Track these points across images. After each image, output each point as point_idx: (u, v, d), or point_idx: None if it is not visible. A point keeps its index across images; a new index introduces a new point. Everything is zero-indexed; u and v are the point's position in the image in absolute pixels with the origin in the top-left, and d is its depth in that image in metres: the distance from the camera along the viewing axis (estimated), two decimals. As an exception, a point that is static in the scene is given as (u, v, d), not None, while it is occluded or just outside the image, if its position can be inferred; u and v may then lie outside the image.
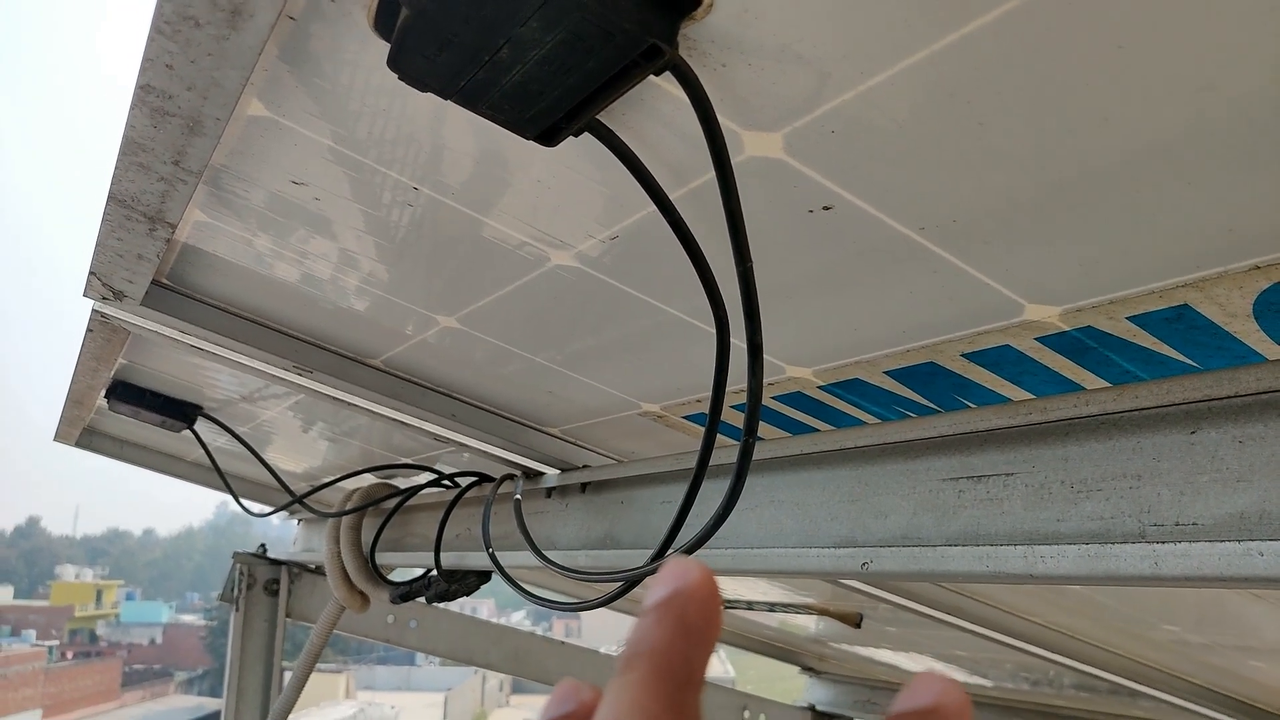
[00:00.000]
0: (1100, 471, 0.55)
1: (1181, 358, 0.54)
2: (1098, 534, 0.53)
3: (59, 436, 1.63)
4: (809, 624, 2.11)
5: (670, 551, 0.65)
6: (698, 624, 0.22)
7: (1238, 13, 0.32)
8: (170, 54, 0.42)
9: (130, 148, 0.51)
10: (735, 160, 0.45)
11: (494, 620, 2.63)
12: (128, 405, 1.28)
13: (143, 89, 0.45)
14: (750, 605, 1.86)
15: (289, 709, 1.67)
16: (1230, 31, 0.33)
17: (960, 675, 2.32)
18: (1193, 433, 0.52)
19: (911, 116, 0.40)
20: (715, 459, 0.64)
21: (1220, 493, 0.50)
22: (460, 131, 0.50)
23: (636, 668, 0.21)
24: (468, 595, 1.31)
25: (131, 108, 0.47)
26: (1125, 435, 0.55)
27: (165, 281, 0.80)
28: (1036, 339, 0.56)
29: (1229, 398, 0.51)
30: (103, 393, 1.29)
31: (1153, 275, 0.48)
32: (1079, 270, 0.49)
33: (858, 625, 1.59)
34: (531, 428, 0.99)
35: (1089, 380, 0.59)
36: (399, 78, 0.41)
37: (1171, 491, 0.52)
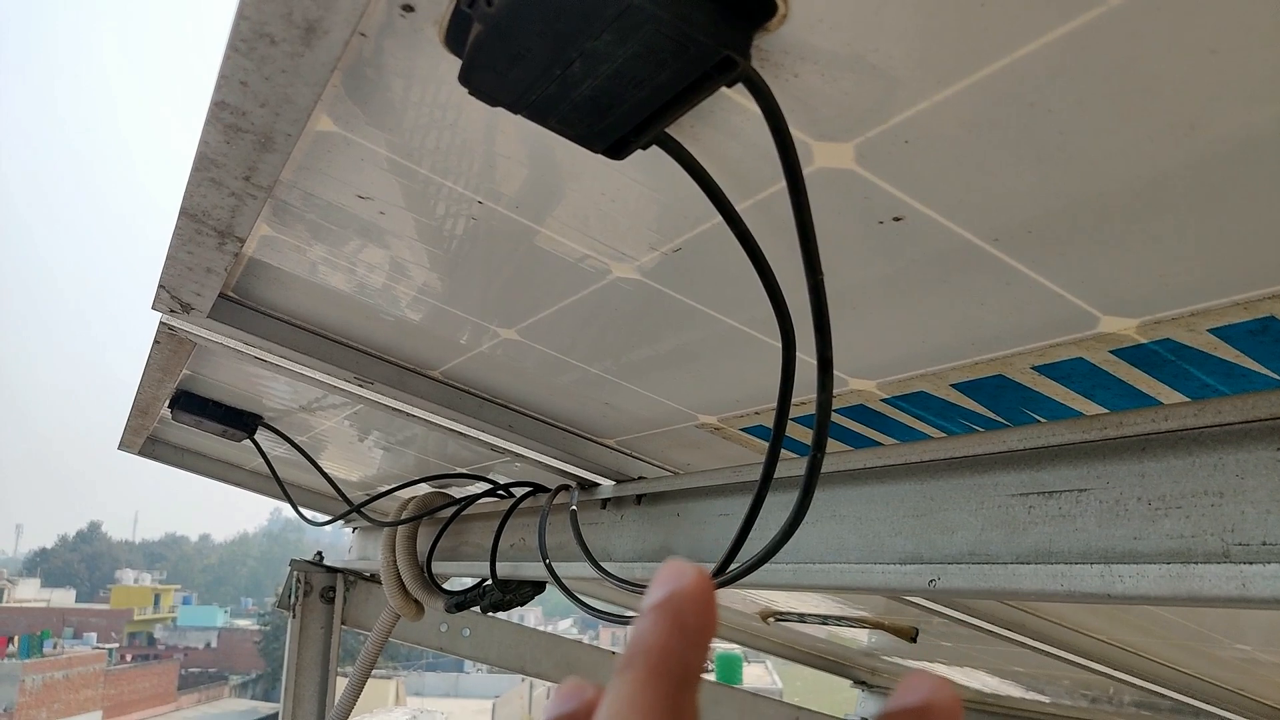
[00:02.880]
0: (1180, 489, 0.53)
1: (1266, 371, 0.52)
2: (1178, 553, 0.51)
3: (123, 445, 1.68)
4: (861, 637, 2.07)
5: (733, 567, 0.65)
6: (694, 624, 0.23)
7: (1340, 14, 0.31)
8: (245, 71, 0.42)
9: (203, 163, 0.52)
10: (805, 171, 0.45)
11: (541, 628, 2.64)
12: (191, 415, 1.31)
13: (217, 105, 0.46)
14: (802, 618, 1.84)
15: (346, 715, 1.69)
16: (1330, 33, 0.31)
17: (1016, 691, 2.27)
18: (1279, 449, 0.50)
19: (988, 125, 0.40)
20: (777, 472, 0.63)
21: (1310, 512, 0.48)
22: (523, 145, 0.50)
23: (634, 667, 0.22)
24: (522, 605, 1.32)
25: (206, 124, 0.48)
26: (1206, 451, 0.53)
27: (231, 294, 0.82)
28: (1111, 352, 0.55)
29: (1319, 413, 0.49)
30: (167, 402, 1.32)
31: (1236, 286, 0.46)
32: (1158, 281, 0.48)
33: (913, 640, 1.56)
34: (587, 439, 1.00)
35: (1165, 394, 0.57)
36: (470, 92, 0.42)
37: (1257, 510, 0.50)
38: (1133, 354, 0.54)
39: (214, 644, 39.97)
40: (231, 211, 0.58)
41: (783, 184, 0.47)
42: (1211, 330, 0.50)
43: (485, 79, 0.41)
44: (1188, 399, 0.56)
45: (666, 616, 0.23)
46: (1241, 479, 0.50)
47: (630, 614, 0.93)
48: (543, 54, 0.38)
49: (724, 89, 0.41)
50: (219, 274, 0.69)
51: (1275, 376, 0.52)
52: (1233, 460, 0.51)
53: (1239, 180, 0.39)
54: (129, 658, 33.00)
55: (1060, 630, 1.25)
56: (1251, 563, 0.47)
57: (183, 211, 0.60)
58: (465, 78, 0.41)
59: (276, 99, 0.45)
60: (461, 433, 1.01)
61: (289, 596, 1.94)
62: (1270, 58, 0.33)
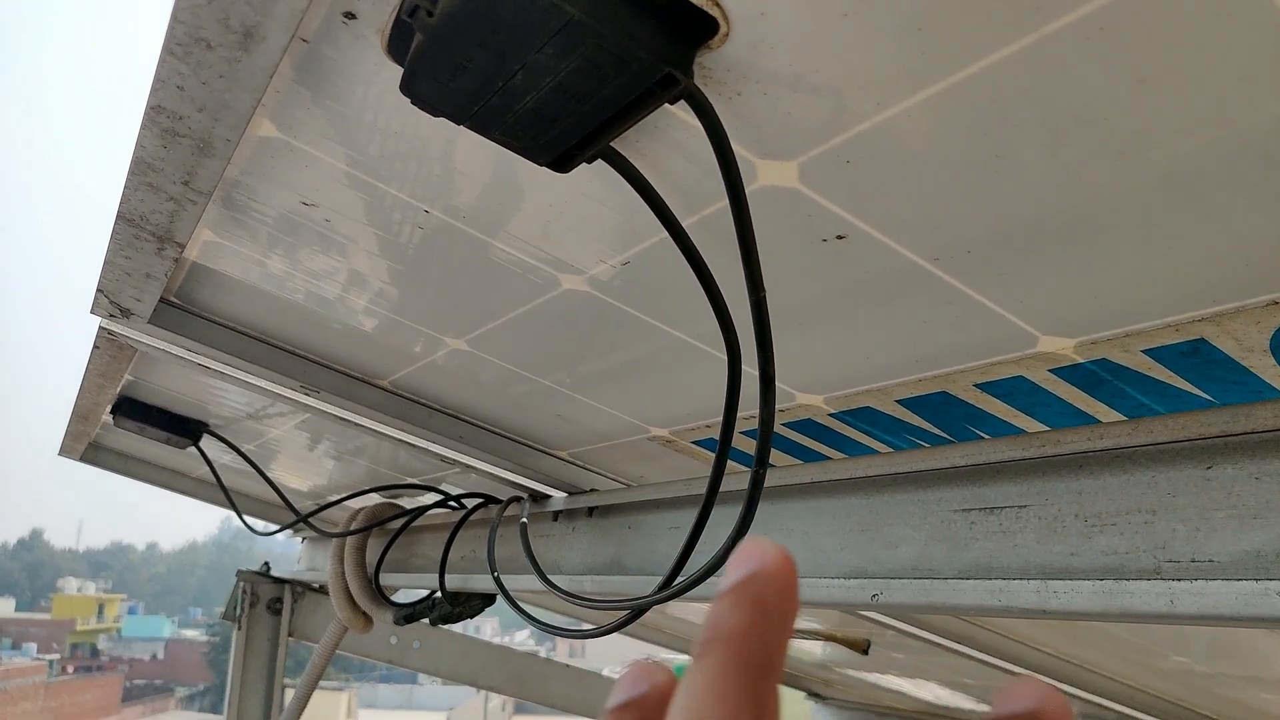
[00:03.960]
0: (1115, 506, 0.54)
1: (1197, 392, 0.53)
2: (1112, 569, 0.52)
3: (64, 451, 1.63)
4: (815, 649, 2.09)
5: (677, 581, 0.64)
6: (776, 607, 0.21)
7: (1253, 46, 0.31)
8: (181, 75, 0.42)
9: (140, 168, 0.51)
10: (749, 188, 0.45)
11: (497, 640, 2.61)
12: (133, 421, 1.28)
13: (153, 110, 0.45)
14: (755, 630, 1.84)
15: (289, 729, 1.65)
16: (1246, 65, 0.32)
17: (967, 703, 2.29)
18: (1209, 468, 0.52)
19: (927, 147, 0.40)
20: (724, 485, 0.63)
21: (1237, 530, 0.49)
22: (472, 155, 0.50)
23: (714, 653, 0.21)
24: (471, 618, 1.30)
25: (142, 128, 0.47)
26: (1140, 470, 0.54)
27: (173, 300, 0.80)
28: (1050, 370, 0.56)
29: (1245, 434, 0.50)
30: (108, 409, 1.29)
31: (1168, 309, 0.47)
32: (1094, 302, 0.48)
33: (865, 652, 1.57)
34: (539, 450, 0.99)
35: (1103, 413, 0.58)
36: (412, 102, 0.41)
37: (1187, 528, 0.51)
38: (1071, 373, 0.55)
39: (160, 655, 39.04)
40: (170, 217, 0.57)
41: (726, 201, 0.48)
42: (1145, 351, 0.51)
43: (427, 89, 0.40)
44: (1124, 418, 0.57)
45: (746, 598, 0.21)
46: (1173, 497, 0.51)
47: (577, 629, 0.92)
48: (485, 65, 0.38)
49: (668, 105, 0.41)
50: (159, 279, 0.68)
51: (1207, 398, 0.53)
52: (1164, 479, 0.52)
53: (1170, 206, 0.40)
54: (71, 669, 32.08)
55: (1008, 644, 1.27)
56: (1180, 579, 0.48)
57: (120, 216, 0.59)
58: (407, 87, 0.41)
59: (214, 104, 0.44)
60: (411, 444, 1.00)
61: (234, 608, 1.90)
62: (1197, 88, 0.34)
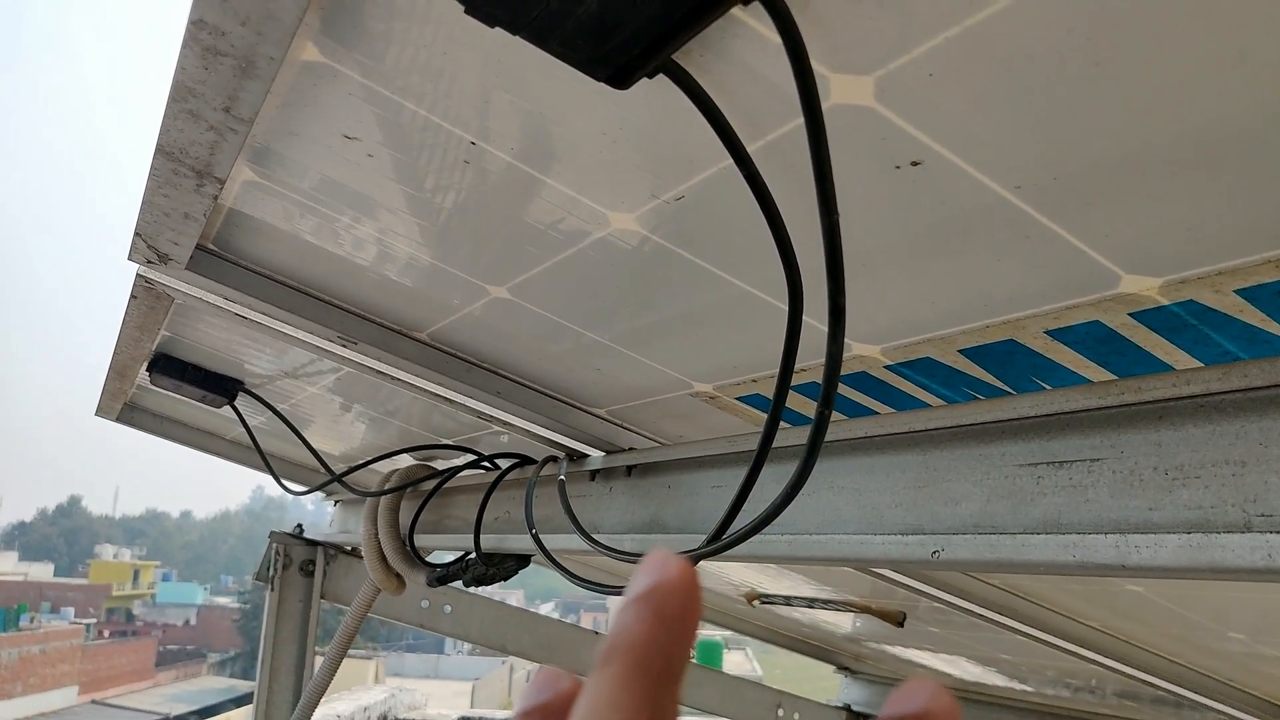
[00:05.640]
0: (1199, 457, 0.51)
1: (1291, 337, 0.50)
2: (1198, 524, 0.49)
3: (100, 411, 1.64)
4: (845, 622, 2.06)
5: (727, 535, 0.62)
6: (676, 618, 0.22)
7: None
8: (225, -18, 0.39)
9: (180, 93, 0.49)
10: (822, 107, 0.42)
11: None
12: (169, 379, 1.27)
13: (194, 25, 0.43)
14: (788, 601, 1.82)
15: (322, 691, 1.66)
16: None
17: (1000, 680, 2.27)
18: (1305, 417, 0.48)
19: (1019, 56, 0.37)
20: (775, 442, 0.61)
21: (1336, 482, 0.46)
22: (516, 81, 0.47)
23: (614, 661, 0.22)
24: (505, 580, 1.29)
25: (182, 47, 0.45)
26: (1228, 419, 0.51)
27: (210, 247, 0.79)
28: (1131, 314, 0.52)
29: (1349, 378, 0.47)
30: (145, 365, 1.28)
31: (1268, 242, 0.44)
32: (1185, 237, 0.45)
33: (900, 624, 1.55)
34: (577, 407, 0.97)
35: (1182, 361, 0.55)
36: (465, 10, 0.39)
37: (1280, 480, 0.48)
38: (1153, 317, 0.52)
39: (193, 621, 39.86)
40: (210, 148, 0.55)
41: (795, 124, 0.45)
42: (1238, 291, 0.48)
43: (483, -7, 0.38)
44: (1206, 365, 0.54)
45: (649, 609, 0.22)
46: (1265, 447, 0.48)
47: (619, 584, 0.90)
48: (546, -37, 0.35)
49: (738, 9, 0.38)
50: (197, 220, 0.66)
51: (1300, 343, 0.50)
52: (1256, 428, 0.49)
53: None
54: (107, 633, 32.86)
55: (1051, 616, 1.23)
56: (1277, 532, 0.45)
57: (159, 150, 0.57)
58: (461, -8, 0.38)
59: (258, 15, 0.42)
60: (447, 399, 0.99)
61: (267, 569, 1.91)
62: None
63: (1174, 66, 0.35)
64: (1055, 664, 1.78)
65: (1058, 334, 0.56)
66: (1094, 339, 0.56)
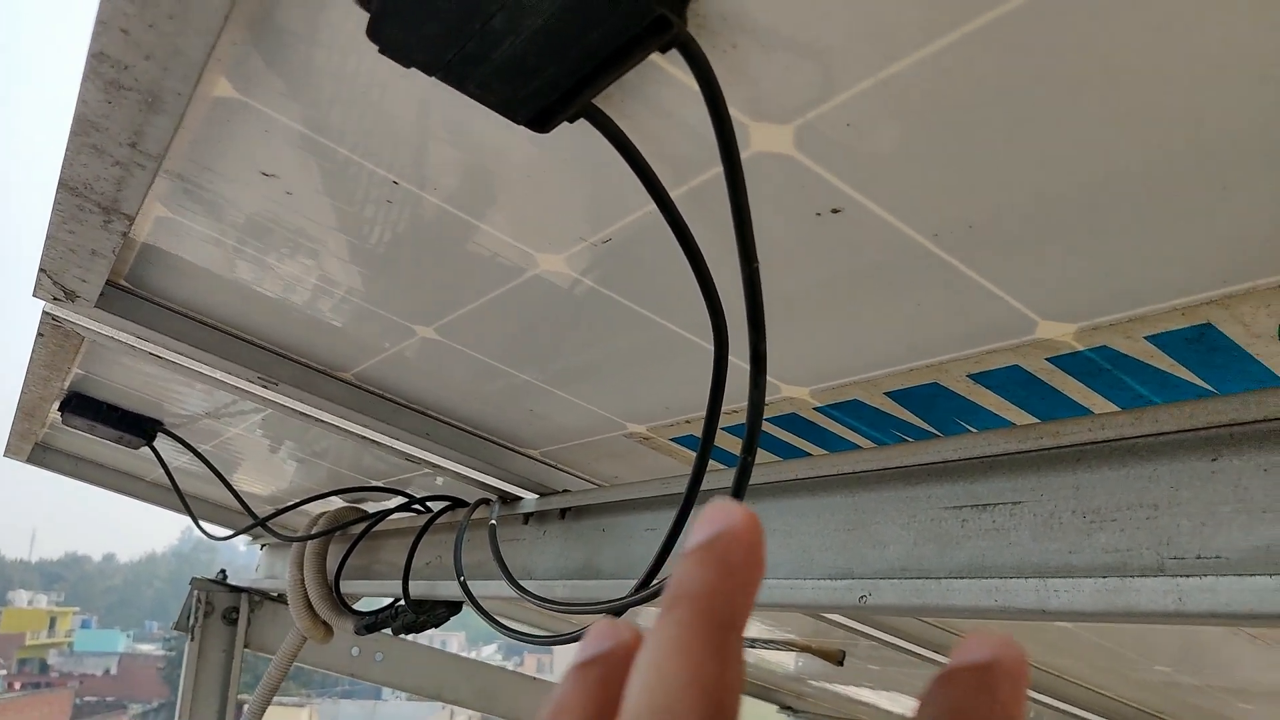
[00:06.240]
0: (1115, 501, 0.51)
1: (1199, 382, 0.51)
2: (1114, 567, 0.49)
3: (9, 451, 1.56)
4: (787, 661, 2.06)
5: (655, 582, 0.61)
6: (742, 565, 0.22)
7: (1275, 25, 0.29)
8: (126, 16, 0.38)
9: (82, 126, 0.47)
10: (742, 155, 0.42)
11: (465, 654, 2.56)
12: (83, 419, 1.22)
13: (96, 58, 0.41)
14: (727, 641, 1.80)
15: (244, 744, 1.59)
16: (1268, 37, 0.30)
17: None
18: (1214, 460, 0.49)
19: (932, 109, 0.38)
20: (705, 484, 0.60)
21: (1245, 524, 0.47)
22: (442, 120, 0.47)
23: (680, 608, 0.21)
24: (436, 627, 1.26)
25: (84, 80, 0.43)
26: (1141, 462, 0.51)
27: (123, 283, 0.76)
28: (1048, 359, 0.53)
29: (1254, 423, 0.48)
30: (56, 405, 1.23)
31: (1176, 290, 0.45)
32: (1099, 284, 0.46)
33: (840, 663, 1.54)
34: (510, 449, 0.95)
35: (1099, 405, 0.56)
36: (379, 50, 0.38)
37: (1192, 522, 0.49)
38: (1069, 362, 0.53)
39: (114, 670, 38.06)
40: (117, 184, 0.53)
41: (717, 170, 0.45)
42: (1148, 337, 0.49)
43: (396, 34, 0.37)
44: (1120, 410, 0.55)
45: (713, 557, 0.21)
46: (1176, 490, 0.49)
47: (552, 635, 0.88)
48: (460, 6, 0.35)
49: (658, 58, 0.38)
50: (106, 257, 0.63)
51: (1208, 388, 0.51)
52: (1167, 471, 0.50)
53: (1191, 178, 0.38)
54: (18, 686, 31.19)
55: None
56: (1188, 576, 0.45)
57: (61, 184, 0.55)
58: (374, 33, 0.37)
59: (164, 50, 0.40)
60: (375, 441, 0.96)
61: (188, 617, 1.84)
62: (1225, 44, 0.31)
63: (1084, 119, 0.36)
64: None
65: (979, 378, 0.57)
66: (1014, 383, 0.57)
